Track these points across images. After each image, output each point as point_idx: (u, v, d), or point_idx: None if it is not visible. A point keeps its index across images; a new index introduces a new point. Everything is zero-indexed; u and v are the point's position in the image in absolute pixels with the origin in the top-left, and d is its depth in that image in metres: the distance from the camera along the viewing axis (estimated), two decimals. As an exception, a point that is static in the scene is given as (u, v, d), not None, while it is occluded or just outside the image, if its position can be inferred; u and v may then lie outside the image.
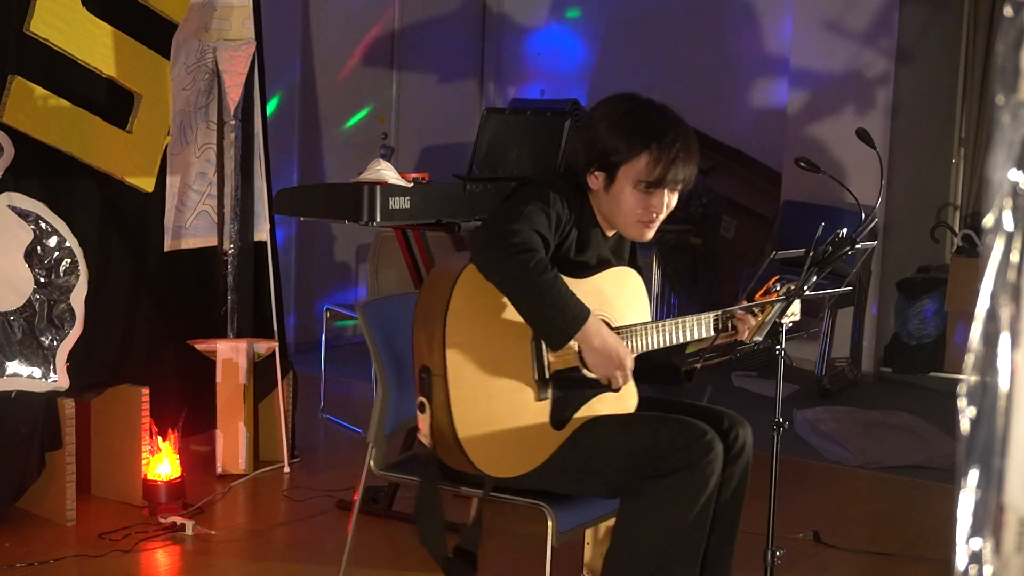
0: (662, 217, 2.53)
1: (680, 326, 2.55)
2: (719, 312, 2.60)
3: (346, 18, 6.89)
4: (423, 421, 2.39)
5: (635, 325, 2.52)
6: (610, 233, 2.60)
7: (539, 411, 2.44)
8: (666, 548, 2.39)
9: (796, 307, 2.72)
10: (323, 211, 4.09)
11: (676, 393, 2.95)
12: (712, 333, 2.59)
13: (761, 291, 2.67)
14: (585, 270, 2.50)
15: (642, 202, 2.48)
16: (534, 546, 3.41)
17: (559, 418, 2.46)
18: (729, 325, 2.61)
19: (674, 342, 2.56)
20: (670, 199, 2.52)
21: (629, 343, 2.48)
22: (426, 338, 2.37)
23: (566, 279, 2.35)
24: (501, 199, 2.52)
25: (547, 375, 2.44)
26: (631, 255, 2.71)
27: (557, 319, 2.31)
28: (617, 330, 2.48)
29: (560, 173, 2.62)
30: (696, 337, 2.59)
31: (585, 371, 2.47)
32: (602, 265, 2.56)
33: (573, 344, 2.38)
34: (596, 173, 2.51)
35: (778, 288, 2.67)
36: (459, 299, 2.35)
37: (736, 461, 2.53)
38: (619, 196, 2.49)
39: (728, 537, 2.58)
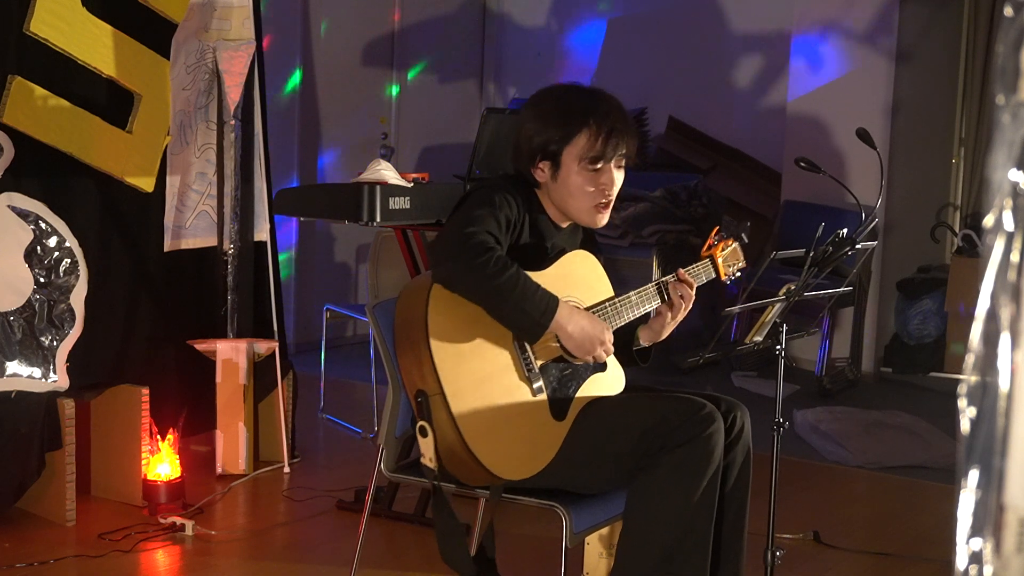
0: (613, 195, 2.56)
1: (641, 294, 2.59)
2: (667, 277, 2.63)
3: (346, 18, 6.89)
4: (426, 445, 2.38)
5: (603, 303, 2.56)
6: (564, 224, 2.63)
7: (538, 406, 2.45)
8: (677, 527, 2.39)
9: (740, 256, 2.76)
10: (323, 211, 4.09)
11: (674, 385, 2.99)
12: (660, 296, 2.61)
13: (706, 245, 2.74)
14: (543, 260, 2.53)
15: (591, 181, 2.52)
16: (536, 546, 3.42)
17: (558, 407, 2.48)
18: (667, 292, 2.61)
19: (641, 312, 2.60)
20: (617, 175, 2.55)
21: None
22: (414, 362, 2.37)
23: (528, 273, 2.38)
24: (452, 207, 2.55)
25: (535, 369, 2.46)
26: (584, 242, 2.72)
27: (529, 314, 2.34)
28: (588, 310, 2.52)
29: (507, 175, 2.64)
30: (657, 303, 2.61)
31: (568, 357, 2.49)
32: (558, 254, 2.59)
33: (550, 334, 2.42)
34: (541, 165, 2.54)
35: (720, 238, 2.73)
36: (435, 315, 2.36)
37: (736, 445, 2.54)
38: (567, 180, 2.52)
39: (737, 526, 2.57)
